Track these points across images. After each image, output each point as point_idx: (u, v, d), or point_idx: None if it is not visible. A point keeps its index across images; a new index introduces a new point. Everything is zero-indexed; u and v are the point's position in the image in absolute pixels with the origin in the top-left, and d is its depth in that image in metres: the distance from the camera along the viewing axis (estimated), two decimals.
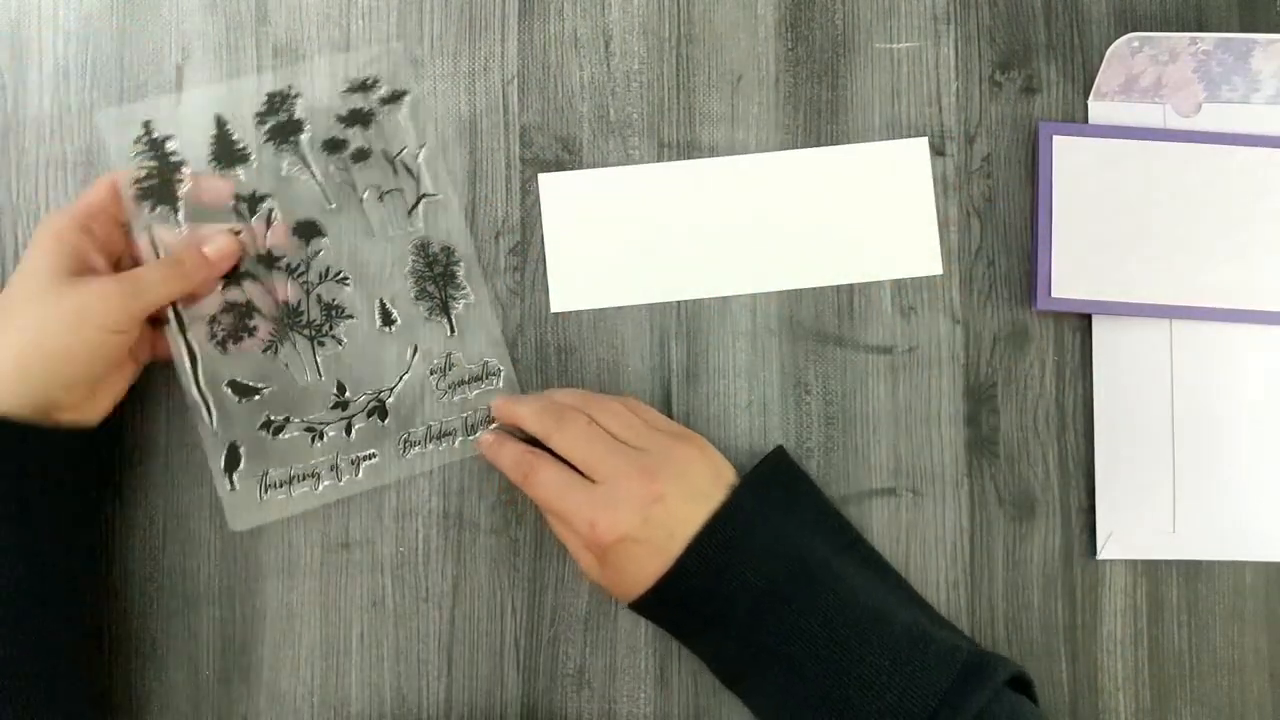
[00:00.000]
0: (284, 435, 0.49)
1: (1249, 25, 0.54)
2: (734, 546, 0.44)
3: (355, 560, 0.51)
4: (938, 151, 0.53)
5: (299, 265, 0.49)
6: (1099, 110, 0.53)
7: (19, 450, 0.43)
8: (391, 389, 0.50)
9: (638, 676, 0.51)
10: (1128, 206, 0.52)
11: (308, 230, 0.50)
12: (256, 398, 0.49)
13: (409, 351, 0.50)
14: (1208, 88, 0.53)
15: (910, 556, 0.51)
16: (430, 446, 0.50)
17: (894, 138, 0.53)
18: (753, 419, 0.52)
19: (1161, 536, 0.51)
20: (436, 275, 0.50)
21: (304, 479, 0.49)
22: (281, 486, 0.49)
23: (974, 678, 0.42)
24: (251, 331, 0.49)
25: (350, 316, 0.50)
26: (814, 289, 0.52)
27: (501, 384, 0.50)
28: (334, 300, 0.50)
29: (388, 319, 0.50)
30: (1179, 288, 0.51)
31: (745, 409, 0.52)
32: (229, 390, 0.49)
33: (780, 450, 0.49)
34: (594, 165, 0.53)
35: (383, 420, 0.50)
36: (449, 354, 0.50)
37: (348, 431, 0.50)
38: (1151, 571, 0.52)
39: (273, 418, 0.49)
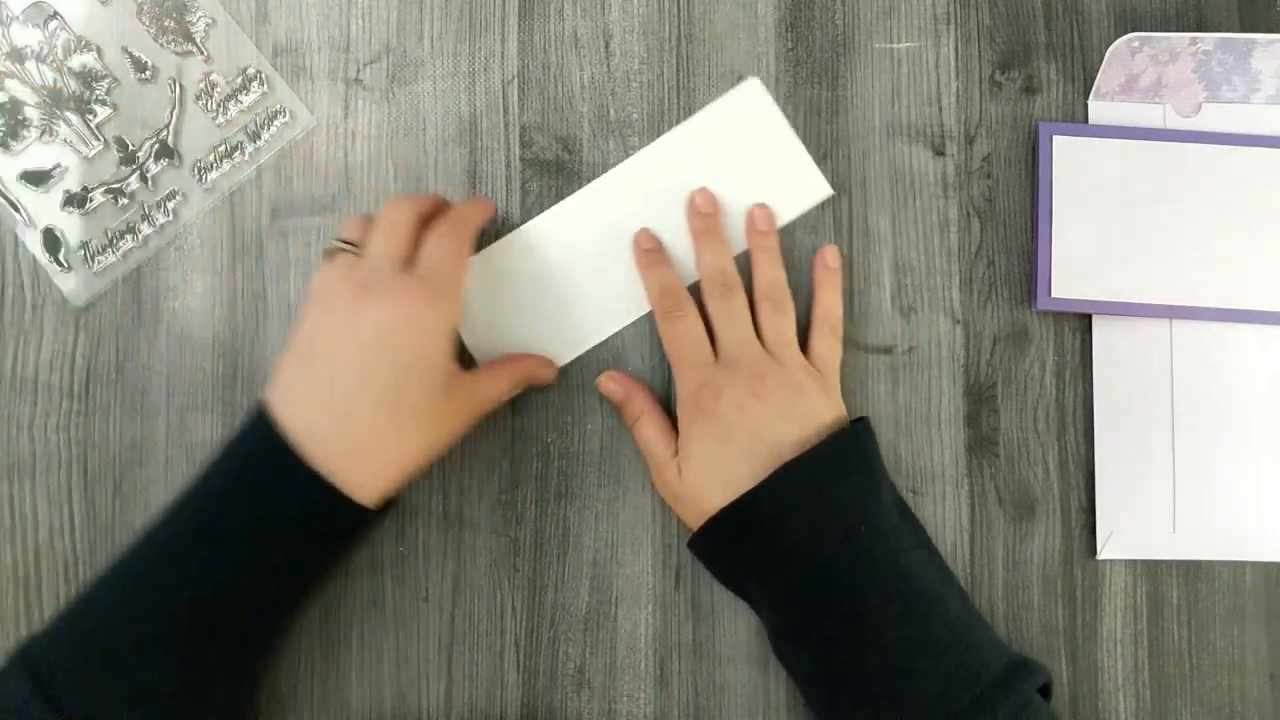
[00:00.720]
0: (90, 205, 0.51)
1: (1249, 25, 0.54)
2: (816, 487, 0.45)
3: (355, 560, 0.51)
4: (938, 151, 0.53)
5: (43, 49, 0.51)
6: (1099, 110, 0.53)
7: (357, 529, 0.44)
8: (167, 126, 0.52)
9: (638, 676, 0.51)
10: (1128, 206, 0.52)
11: (38, 14, 0.52)
12: (51, 179, 0.51)
13: (170, 88, 0.52)
14: (1208, 88, 0.53)
15: None
16: (225, 165, 0.52)
17: (894, 138, 0.53)
18: None
19: (1161, 536, 0.51)
20: (167, 8, 0.52)
21: (124, 235, 0.51)
22: (105, 250, 0.51)
23: (1024, 667, 0.43)
24: (26, 125, 0.51)
25: (106, 77, 0.51)
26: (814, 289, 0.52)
27: (268, 86, 0.52)
28: (85, 68, 0.51)
29: (141, 67, 0.52)
30: (1179, 288, 0.52)
31: None
32: (25, 183, 0.51)
33: (866, 421, 0.49)
34: (594, 165, 0.52)
35: (171, 159, 0.51)
36: (208, 75, 0.52)
37: (144, 180, 0.51)
38: (1151, 571, 0.52)
39: (73, 192, 0.51)
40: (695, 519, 0.47)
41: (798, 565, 0.45)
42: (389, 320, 0.42)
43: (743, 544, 0.46)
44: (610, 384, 0.50)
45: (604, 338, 0.51)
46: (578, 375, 0.52)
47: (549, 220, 0.52)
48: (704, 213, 0.51)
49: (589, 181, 0.52)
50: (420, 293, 0.43)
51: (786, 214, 0.52)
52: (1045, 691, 0.45)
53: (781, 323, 0.49)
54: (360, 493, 0.42)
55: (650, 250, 0.51)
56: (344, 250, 0.45)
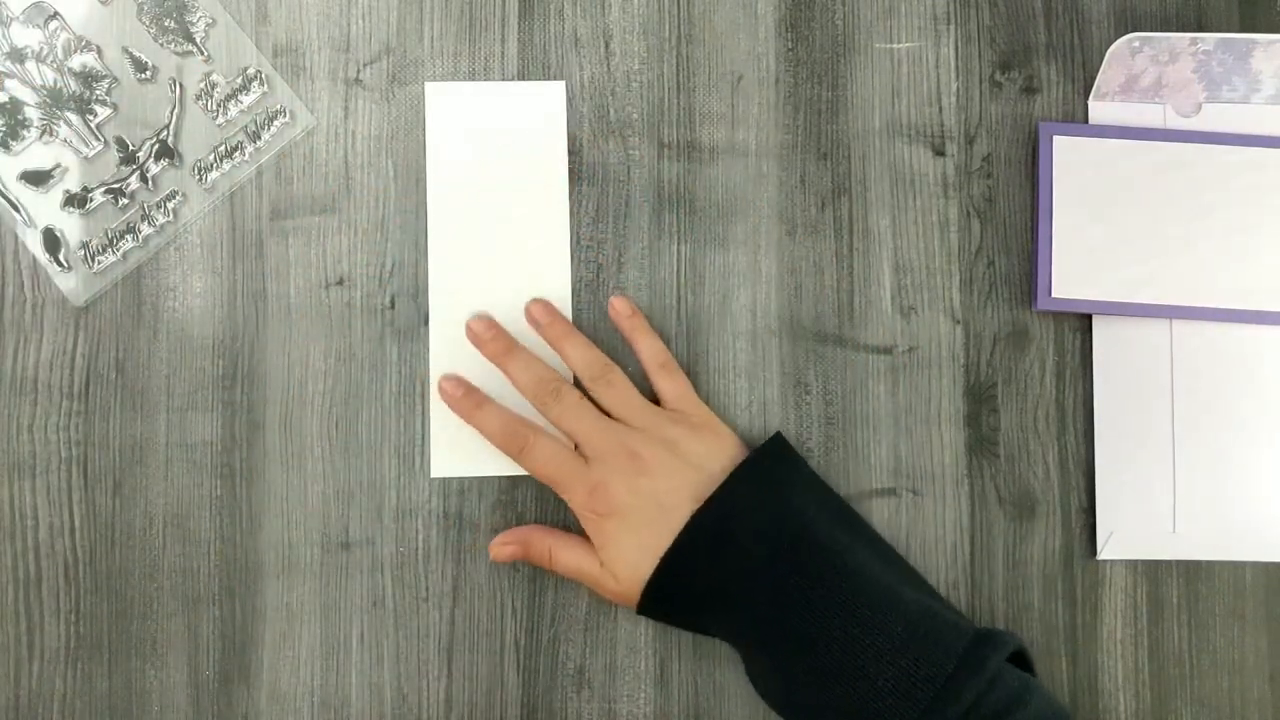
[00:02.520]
0: (90, 205, 0.51)
1: (1249, 25, 0.54)
2: (734, 517, 0.45)
3: (355, 560, 0.51)
4: (938, 151, 0.53)
5: (43, 49, 0.51)
6: (1099, 110, 0.53)
7: None
8: (167, 127, 0.52)
9: (638, 676, 0.51)
10: (1128, 206, 0.52)
11: (38, 14, 0.52)
12: (51, 180, 0.51)
13: (170, 88, 0.52)
14: (1208, 88, 0.53)
15: (910, 556, 0.51)
16: (225, 165, 0.52)
17: (894, 138, 0.53)
18: (753, 419, 0.52)
19: (1161, 536, 0.51)
20: (167, 8, 0.52)
21: (124, 235, 0.51)
22: (105, 250, 0.51)
23: (986, 643, 0.43)
24: (26, 125, 0.51)
25: (106, 77, 0.51)
26: (814, 288, 0.52)
27: (268, 86, 0.52)
28: (85, 68, 0.51)
29: (141, 67, 0.52)
30: (1179, 288, 0.51)
31: (745, 409, 0.52)
32: (25, 183, 0.51)
33: (780, 436, 0.50)
34: (594, 165, 0.52)
35: (172, 159, 0.51)
36: (208, 75, 0.52)
37: (144, 180, 0.51)
38: (1151, 571, 0.52)
39: (73, 192, 0.51)
40: (628, 593, 0.48)
41: (737, 604, 0.45)
42: None
43: (676, 601, 0.47)
44: (504, 549, 0.49)
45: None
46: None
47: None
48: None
49: (588, 181, 0.52)
50: None
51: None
52: (1021, 659, 0.45)
53: (617, 393, 0.49)
54: None
55: (461, 397, 0.50)
56: None
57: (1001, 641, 0.43)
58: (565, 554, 0.49)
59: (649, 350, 0.50)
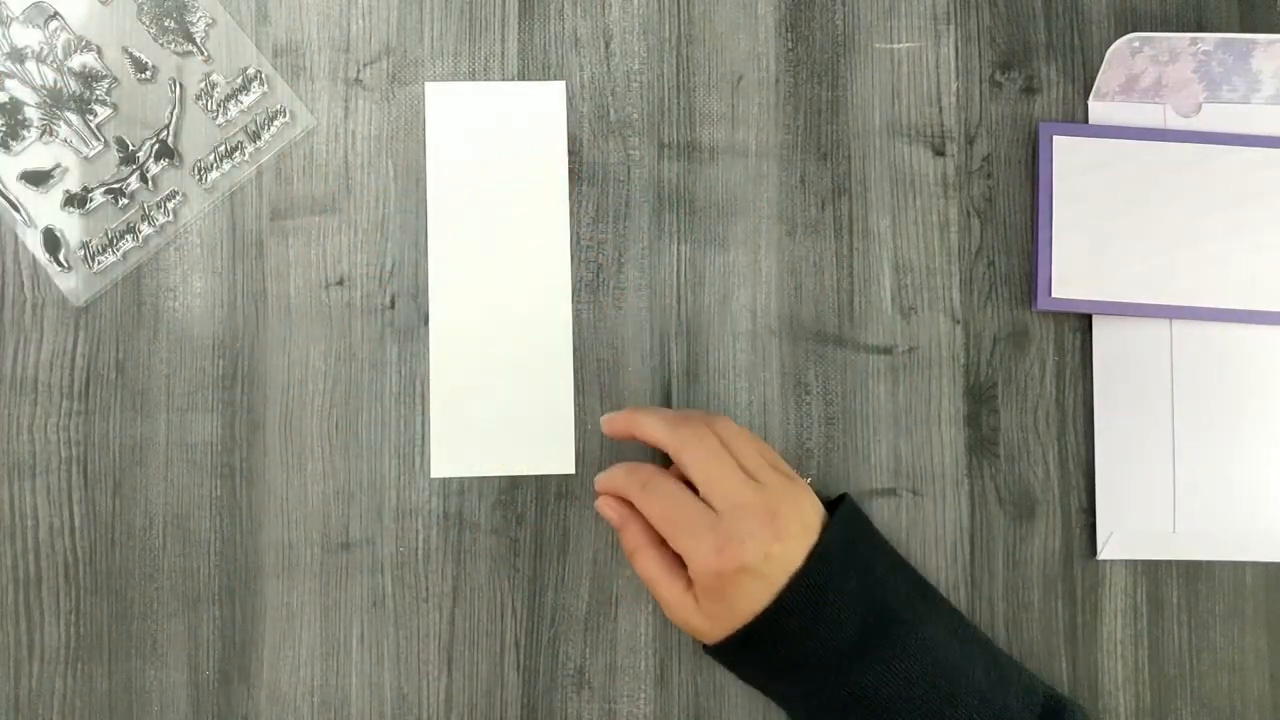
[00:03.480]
0: (90, 205, 0.51)
1: (1249, 25, 0.54)
2: (829, 586, 0.45)
3: (355, 560, 0.51)
4: (938, 151, 0.53)
5: (43, 49, 0.51)
6: (1099, 110, 0.53)
7: None
8: (167, 126, 0.52)
9: (638, 676, 0.51)
10: (1128, 206, 0.52)
11: (38, 14, 0.52)
12: (51, 180, 0.51)
13: (170, 88, 0.52)
14: (1208, 88, 0.53)
15: (910, 556, 0.51)
16: (225, 165, 0.52)
17: (894, 138, 0.53)
18: (753, 419, 0.52)
19: (1161, 536, 0.51)
20: (167, 8, 0.52)
21: (124, 235, 0.51)
22: (105, 250, 0.51)
23: (1051, 715, 0.45)
24: (26, 125, 0.51)
25: (106, 77, 0.51)
26: (814, 288, 0.52)
27: (268, 86, 0.52)
28: (85, 68, 0.52)
29: (141, 67, 0.52)
30: (1179, 288, 0.52)
31: (745, 409, 0.52)
32: (25, 183, 0.51)
33: (849, 497, 0.49)
34: (594, 165, 0.53)
35: (172, 159, 0.52)
36: (208, 75, 0.52)
37: (144, 180, 0.51)
38: (1151, 571, 0.52)
39: (73, 192, 0.51)
40: (711, 634, 0.47)
41: (814, 666, 0.45)
42: None
43: (756, 655, 0.46)
44: (607, 509, 0.49)
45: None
46: (577, 377, 0.52)
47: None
48: (621, 426, 0.49)
49: (588, 181, 0.52)
50: None
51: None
52: None
53: (739, 438, 0.47)
54: None
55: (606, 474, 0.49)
56: None
57: (1067, 709, 0.45)
58: (651, 563, 0.47)
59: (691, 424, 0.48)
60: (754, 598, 0.45)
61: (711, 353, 0.52)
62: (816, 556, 0.45)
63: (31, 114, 0.51)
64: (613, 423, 0.49)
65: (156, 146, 0.52)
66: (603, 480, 0.49)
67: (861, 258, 0.53)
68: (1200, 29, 0.54)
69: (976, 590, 0.51)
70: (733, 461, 0.46)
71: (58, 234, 0.51)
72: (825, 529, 0.46)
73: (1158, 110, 0.53)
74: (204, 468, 0.51)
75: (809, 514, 0.46)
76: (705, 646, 0.47)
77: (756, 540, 0.44)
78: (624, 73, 0.53)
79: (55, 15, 0.52)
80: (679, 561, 0.46)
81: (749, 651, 0.46)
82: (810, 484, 0.48)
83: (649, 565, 0.47)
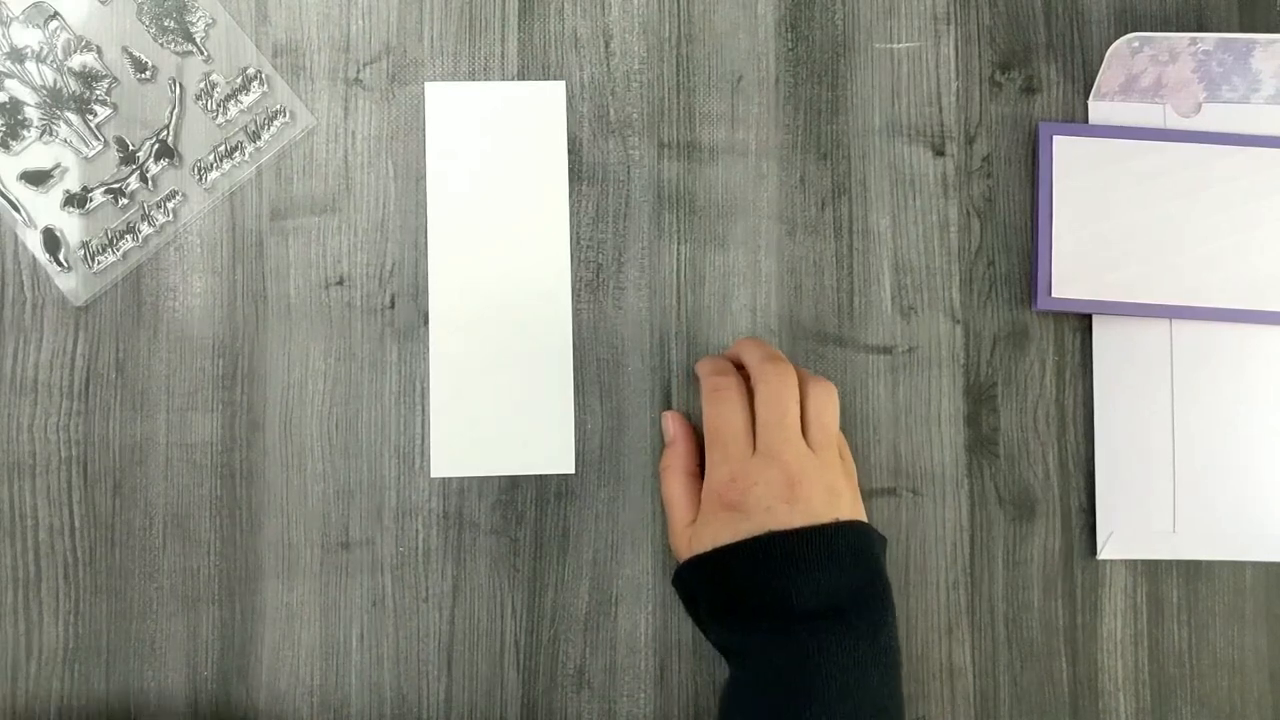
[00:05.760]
0: (90, 205, 0.51)
1: (1249, 25, 0.54)
2: (806, 564, 0.44)
3: (355, 560, 0.51)
4: (938, 151, 0.53)
5: (43, 49, 0.51)
6: (1099, 110, 0.53)
7: None
8: (167, 127, 0.52)
9: (638, 676, 0.51)
10: (1128, 206, 0.52)
11: (38, 14, 0.52)
12: (51, 180, 0.51)
13: (170, 88, 0.52)
14: (1208, 88, 0.53)
15: (910, 556, 0.51)
16: (225, 165, 0.52)
17: (894, 138, 0.53)
18: None
19: (1161, 536, 0.51)
20: (167, 8, 0.52)
21: (124, 235, 0.51)
22: (105, 250, 0.51)
23: None
24: (26, 125, 0.51)
25: (106, 77, 0.51)
26: (814, 288, 0.52)
27: (268, 86, 0.52)
28: (85, 68, 0.52)
29: (141, 67, 0.52)
30: (1179, 288, 0.52)
31: None
32: (25, 183, 0.51)
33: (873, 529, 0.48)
34: (594, 165, 0.53)
35: (172, 159, 0.52)
36: (208, 75, 0.52)
37: (144, 180, 0.51)
38: (1151, 571, 0.52)
39: (73, 192, 0.51)
40: (689, 547, 0.47)
41: (768, 624, 0.44)
42: None
43: (712, 588, 0.46)
44: (669, 423, 0.50)
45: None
46: (577, 377, 0.52)
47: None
48: (730, 352, 0.50)
49: (588, 181, 0.52)
50: None
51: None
52: None
53: (828, 406, 0.47)
54: None
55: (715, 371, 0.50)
56: None
57: None
58: (676, 483, 0.49)
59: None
60: (735, 533, 0.45)
61: (711, 353, 0.52)
62: (812, 534, 0.44)
63: (31, 114, 0.51)
64: (716, 357, 0.51)
65: (156, 146, 0.52)
66: (705, 365, 0.50)
67: (861, 258, 0.53)
68: (1200, 29, 0.54)
69: (976, 590, 0.51)
70: (796, 418, 0.47)
71: (58, 234, 0.51)
72: (841, 530, 0.45)
73: (1158, 110, 0.53)
74: (204, 467, 0.51)
75: (833, 509, 0.45)
76: (682, 565, 0.47)
77: (766, 488, 0.45)
78: (624, 73, 0.53)
79: (55, 15, 0.52)
80: (698, 494, 0.48)
81: (704, 584, 0.46)
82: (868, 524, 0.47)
83: (673, 485, 0.49)
